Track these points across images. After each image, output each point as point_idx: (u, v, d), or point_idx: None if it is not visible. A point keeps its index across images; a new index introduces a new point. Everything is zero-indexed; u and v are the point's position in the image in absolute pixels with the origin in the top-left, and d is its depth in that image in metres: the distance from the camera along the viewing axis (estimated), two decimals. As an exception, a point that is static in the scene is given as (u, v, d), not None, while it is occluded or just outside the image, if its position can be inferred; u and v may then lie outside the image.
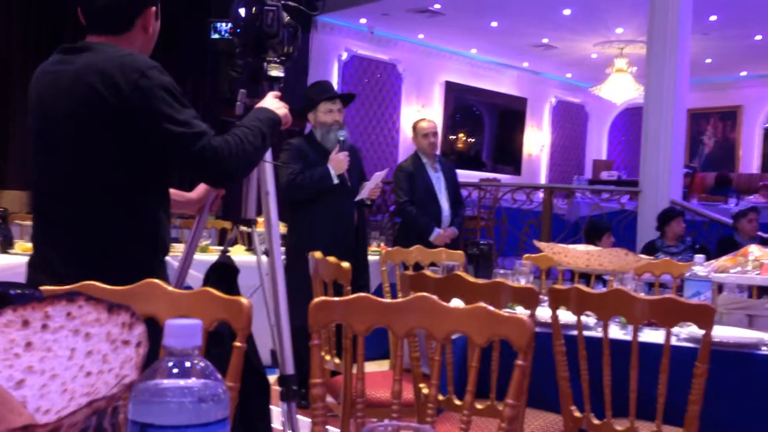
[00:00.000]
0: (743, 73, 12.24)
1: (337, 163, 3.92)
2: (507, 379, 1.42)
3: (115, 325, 0.73)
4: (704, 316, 1.94)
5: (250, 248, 4.74)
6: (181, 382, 0.68)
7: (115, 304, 0.74)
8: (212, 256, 3.99)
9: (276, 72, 2.25)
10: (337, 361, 2.89)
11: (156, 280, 1.52)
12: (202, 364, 0.70)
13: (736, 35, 9.68)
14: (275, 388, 2.29)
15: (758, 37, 9.83)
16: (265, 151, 2.05)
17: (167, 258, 2.01)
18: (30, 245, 3.63)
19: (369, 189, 4.06)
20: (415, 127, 5.11)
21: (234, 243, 3.90)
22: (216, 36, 2.57)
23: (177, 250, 3.48)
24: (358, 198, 4.05)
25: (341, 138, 3.97)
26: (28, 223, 4.70)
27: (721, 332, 2.30)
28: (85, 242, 1.82)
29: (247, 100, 2.23)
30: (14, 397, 0.70)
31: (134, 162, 1.81)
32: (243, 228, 2.48)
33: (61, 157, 1.82)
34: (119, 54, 1.79)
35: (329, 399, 2.59)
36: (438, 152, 5.15)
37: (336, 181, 3.91)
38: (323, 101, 4.01)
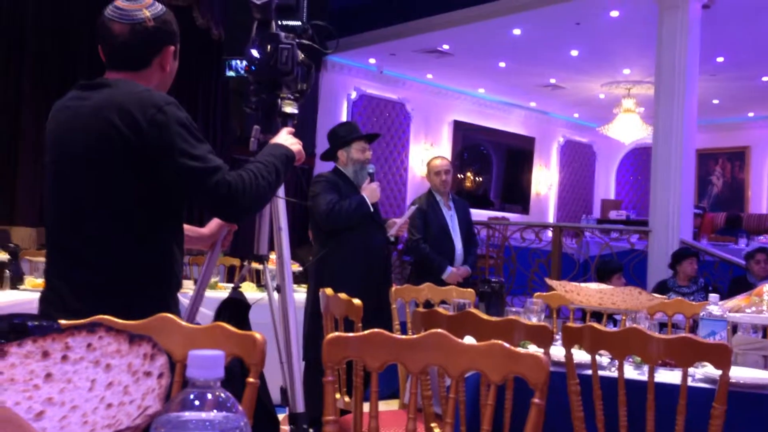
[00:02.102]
0: (750, 114, 12.29)
1: (371, 192, 3.99)
2: (518, 418, 1.39)
3: (137, 357, 0.72)
4: (721, 356, 1.92)
5: (260, 285, 4.72)
6: (203, 415, 0.67)
7: (136, 335, 0.74)
8: (221, 293, 3.98)
9: (290, 108, 2.27)
10: (346, 399, 2.86)
11: (169, 315, 1.51)
12: (223, 396, 0.69)
13: (743, 76, 9.74)
14: (284, 428, 2.26)
15: (765, 79, 9.89)
16: (279, 186, 2.05)
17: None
18: (40, 281, 3.61)
19: (399, 225, 4.10)
20: (428, 165, 5.13)
21: (244, 279, 3.89)
22: (231, 73, 2.59)
23: (186, 286, 3.46)
24: (389, 234, 4.08)
25: (371, 171, 4.08)
26: (39, 259, 4.70)
27: (737, 373, 2.26)
28: (97, 275, 1.82)
29: (260, 136, 2.24)
30: (35, 429, 0.69)
31: (150, 196, 1.82)
32: (254, 264, 2.47)
33: (76, 190, 1.83)
34: (137, 90, 1.81)
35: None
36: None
37: (371, 209, 3.96)
38: (356, 140, 4.07)
